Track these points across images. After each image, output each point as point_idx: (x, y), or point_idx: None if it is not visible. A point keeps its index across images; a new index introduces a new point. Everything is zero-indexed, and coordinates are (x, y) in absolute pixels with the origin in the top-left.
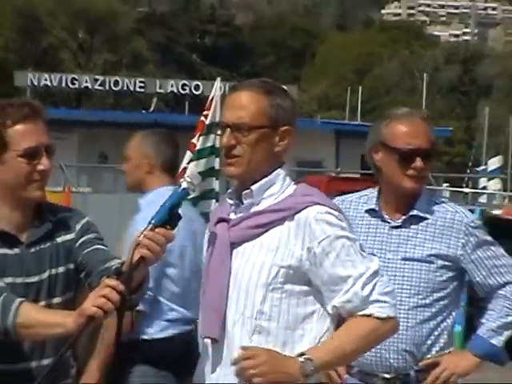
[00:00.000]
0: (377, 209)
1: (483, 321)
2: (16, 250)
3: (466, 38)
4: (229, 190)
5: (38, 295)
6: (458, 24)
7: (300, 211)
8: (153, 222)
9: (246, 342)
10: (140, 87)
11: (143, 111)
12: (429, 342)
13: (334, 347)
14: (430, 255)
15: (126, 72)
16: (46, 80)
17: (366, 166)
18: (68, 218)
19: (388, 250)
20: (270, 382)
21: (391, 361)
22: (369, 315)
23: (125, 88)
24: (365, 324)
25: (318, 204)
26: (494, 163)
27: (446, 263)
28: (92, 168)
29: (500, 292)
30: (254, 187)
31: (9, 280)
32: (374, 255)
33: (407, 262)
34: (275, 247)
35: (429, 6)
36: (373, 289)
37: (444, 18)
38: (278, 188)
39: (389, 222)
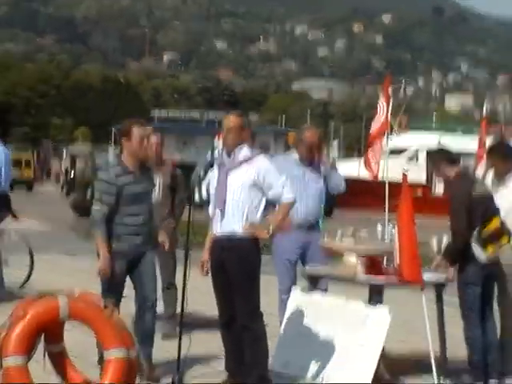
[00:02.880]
0: None
1: None
2: (133, 175)
3: None
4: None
5: (146, 194)
6: None
7: (253, 158)
8: None
9: (235, 210)
10: None
11: None
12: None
13: (276, 219)
14: None
15: None
16: None
17: None
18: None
19: None
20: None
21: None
22: (284, 202)
23: None
24: (284, 205)
25: (259, 156)
26: None
27: None
28: None
29: None
30: (235, 150)
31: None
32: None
33: None
34: (245, 171)
35: None
36: (283, 189)
37: None
38: (244, 150)
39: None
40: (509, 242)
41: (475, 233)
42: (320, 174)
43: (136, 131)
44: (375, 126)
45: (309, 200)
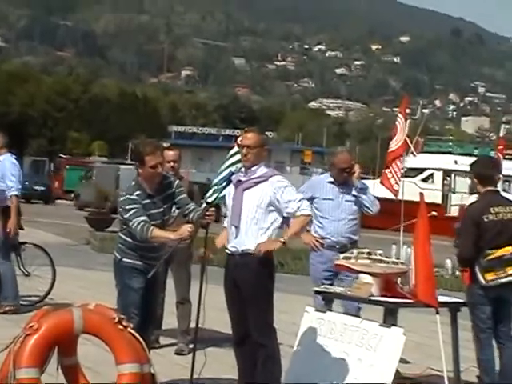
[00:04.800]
0: None
1: None
2: (152, 199)
3: None
4: (241, 169)
5: (163, 215)
6: None
7: (270, 177)
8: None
9: (249, 227)
10: None
11: None
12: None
13: (291, 230)
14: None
15: None
16: None
17: None
18: (169, 182)
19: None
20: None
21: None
22: (300, 215)
23: None
24: (300, 218)
25: (276, 175)
26: None
27: None
28: None
29: None
30: (253, 168)
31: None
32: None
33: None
34: (261, 190)
35: None
36: (301, 204)
37: None
38: (261, 169)
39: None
40: None
41: (481, 256)
42: (354, 196)
43: (149, 161)
44: (395, 146)
45: (341, 221)
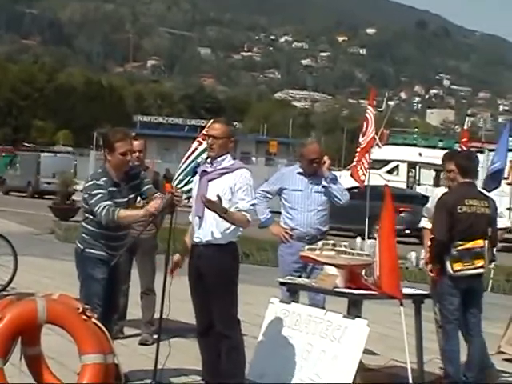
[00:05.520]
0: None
1: None
2: (118, 188)
3: None
4: (207, 160)
5: (127, 205)
6: None
7: (236, 170)
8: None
9: (213, 218)
10: None
11: None
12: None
13: (233, 214)
14: None
15: None
16: None
17: None
18: (136, 173)
19: None
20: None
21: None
22: (243, 214)
23: None
24: (242, 215)
25: (243, 168)
26: None
27: None
28: None
29: None
30: (218, 159)
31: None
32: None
33: None
34: (225, 181)
35: None
36: (250, 207)
37: None
38: (227, 160)
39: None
40: (483, 267)
41: (451, 246)
42: (323, 187)
43: (119, 147)
44: (365, 139)
45: (310, 213)
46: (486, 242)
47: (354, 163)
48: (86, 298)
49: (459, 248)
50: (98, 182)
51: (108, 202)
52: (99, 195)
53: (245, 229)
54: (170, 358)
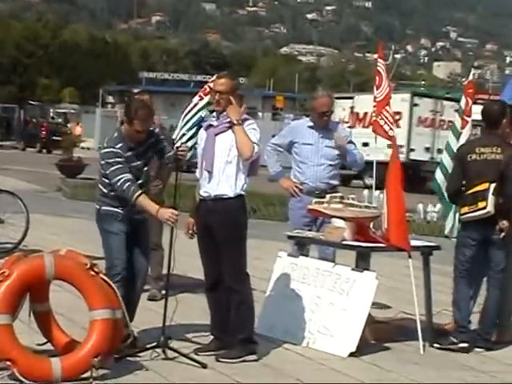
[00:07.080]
0: None
1: None
2: (134, 151)
3: None
4: (212, 114)
5: (144, 165)
6: None
7: (243, 121)
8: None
9: (222, 172)
10: None
11: None
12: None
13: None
14: None
15: None
16: None
17: None
18: (151, 132)
19: None
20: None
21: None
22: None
23: None
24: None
25: (247, 119)
26: None
27: None
28: None
29: None
30: (225, 113)
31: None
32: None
33: None
34: (232, 135)
35: None
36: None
37: None
38: None
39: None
40: (485, 208)
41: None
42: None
43: (137, 125)
44: (380, 91)
45: (320, 167)
46: (492, 185)
47: (374, 118)
48: (107, 253)
49: (467, 193)
50: (114, 150)
51: (128, 176)
52: (118, 165)
53: (246, 160)
54: (178, 313)
